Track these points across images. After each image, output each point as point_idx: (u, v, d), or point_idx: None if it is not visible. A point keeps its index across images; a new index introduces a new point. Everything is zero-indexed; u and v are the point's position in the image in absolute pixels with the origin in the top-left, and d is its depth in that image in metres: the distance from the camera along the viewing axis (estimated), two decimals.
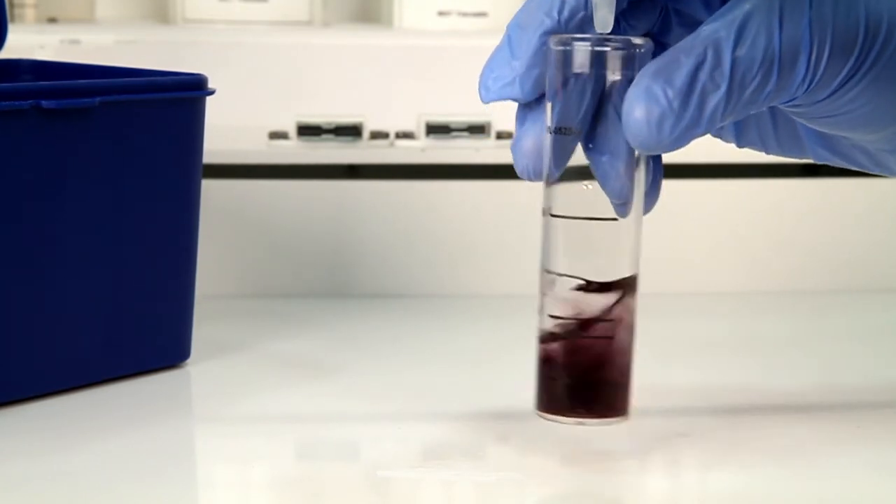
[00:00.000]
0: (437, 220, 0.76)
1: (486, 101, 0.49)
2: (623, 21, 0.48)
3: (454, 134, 0.76)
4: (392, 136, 0.77)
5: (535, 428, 0.50)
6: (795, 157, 0.52)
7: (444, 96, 0.77)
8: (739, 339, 0.69)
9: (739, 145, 0.52)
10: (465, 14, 0.85)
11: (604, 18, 0.46)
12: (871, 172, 0.51)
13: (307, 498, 0.48)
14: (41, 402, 0.56)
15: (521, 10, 0.48)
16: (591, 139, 0.47)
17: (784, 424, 0.55)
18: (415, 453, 0.52)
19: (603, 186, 0.47)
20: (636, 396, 0.49)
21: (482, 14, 0.85)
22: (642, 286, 0.49)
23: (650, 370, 0.50)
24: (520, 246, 0.75)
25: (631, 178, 0.47)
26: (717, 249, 0.77)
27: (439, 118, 0.76)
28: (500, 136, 0.76)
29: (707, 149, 0.54)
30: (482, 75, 0.49)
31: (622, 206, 0.47)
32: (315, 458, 0.53)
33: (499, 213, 0.76)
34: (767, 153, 0.52)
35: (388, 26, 0.86)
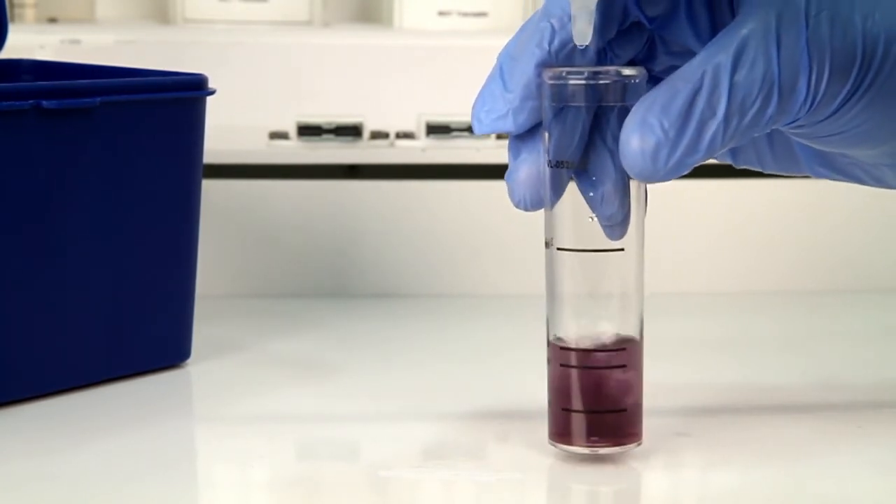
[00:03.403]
0: (437, 220, 0.76)
1: (478, 133, 0.49)
2: (609, 50, 0.48)
3: (454, 134, 0.76)
4: (392, 136, 0.77)
5: (536, 428, 0.50)
6: (792, 174, 0.52)
7: (444, 96, 0.77)
8: (739, 339, 0.69)
9: (737, 165, 0.52)
10: (465, 14, 0.85)
11: (582, 31, 0.46)
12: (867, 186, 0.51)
13: (307, 498, 0.48)
14: (41, 402, 0.56)
15: (511, 41, 0.48)
16: (584, 168, 0.47)
17: (784, 424, 0.55)
18: (415, 453, 0.52)
19: (595, 212, 0.47)
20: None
21: (482, 14, 0.85)
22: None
23: (651, 370, 0.50)
24: (520, 246, 0.75)
25: (624, 206, 0.47)
26: (717, 249, 0.77)
27: (439, 118, 0.76)
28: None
29: None
30: (474, 107, 0.48)
31: (613, 229, 0.47)
32: (315, 458, 0.53)
33: (499, 213, 0.76)
34: (764, 171, 0.52)
35: (388, 26, 0.86)
